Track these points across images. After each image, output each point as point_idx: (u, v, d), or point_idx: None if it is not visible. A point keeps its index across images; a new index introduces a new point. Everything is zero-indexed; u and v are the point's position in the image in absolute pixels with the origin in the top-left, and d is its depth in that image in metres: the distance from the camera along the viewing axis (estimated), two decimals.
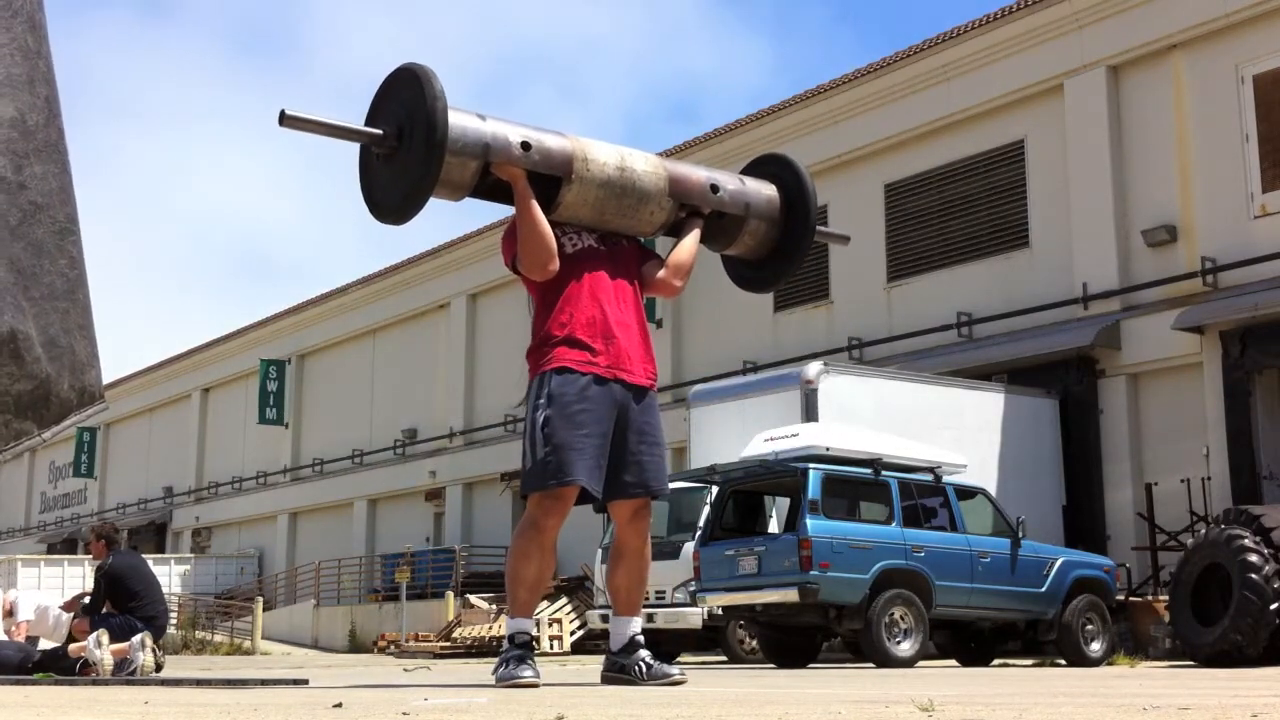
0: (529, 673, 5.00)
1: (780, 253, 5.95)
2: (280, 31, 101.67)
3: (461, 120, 5.10)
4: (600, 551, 16.14)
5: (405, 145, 5.13)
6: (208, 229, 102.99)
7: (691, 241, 5.59)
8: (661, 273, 5.55)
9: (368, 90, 5.49)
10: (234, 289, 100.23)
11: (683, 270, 5.58)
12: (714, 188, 5.69)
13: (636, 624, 5.39)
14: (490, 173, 5.19)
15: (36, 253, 3.07)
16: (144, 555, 13.06)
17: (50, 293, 3.08)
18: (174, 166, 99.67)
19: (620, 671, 5.29)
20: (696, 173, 5.72)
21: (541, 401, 5.18)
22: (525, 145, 5.20)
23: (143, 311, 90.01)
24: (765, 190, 5.89)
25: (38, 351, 3.03)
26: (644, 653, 5.29)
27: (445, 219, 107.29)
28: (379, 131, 5.19)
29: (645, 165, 5.47)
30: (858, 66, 22.38)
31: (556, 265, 5.26)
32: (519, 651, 5.09)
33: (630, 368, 5.31)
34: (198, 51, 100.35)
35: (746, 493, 13.61)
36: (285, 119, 5.00)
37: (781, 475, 12.83)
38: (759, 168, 6.08)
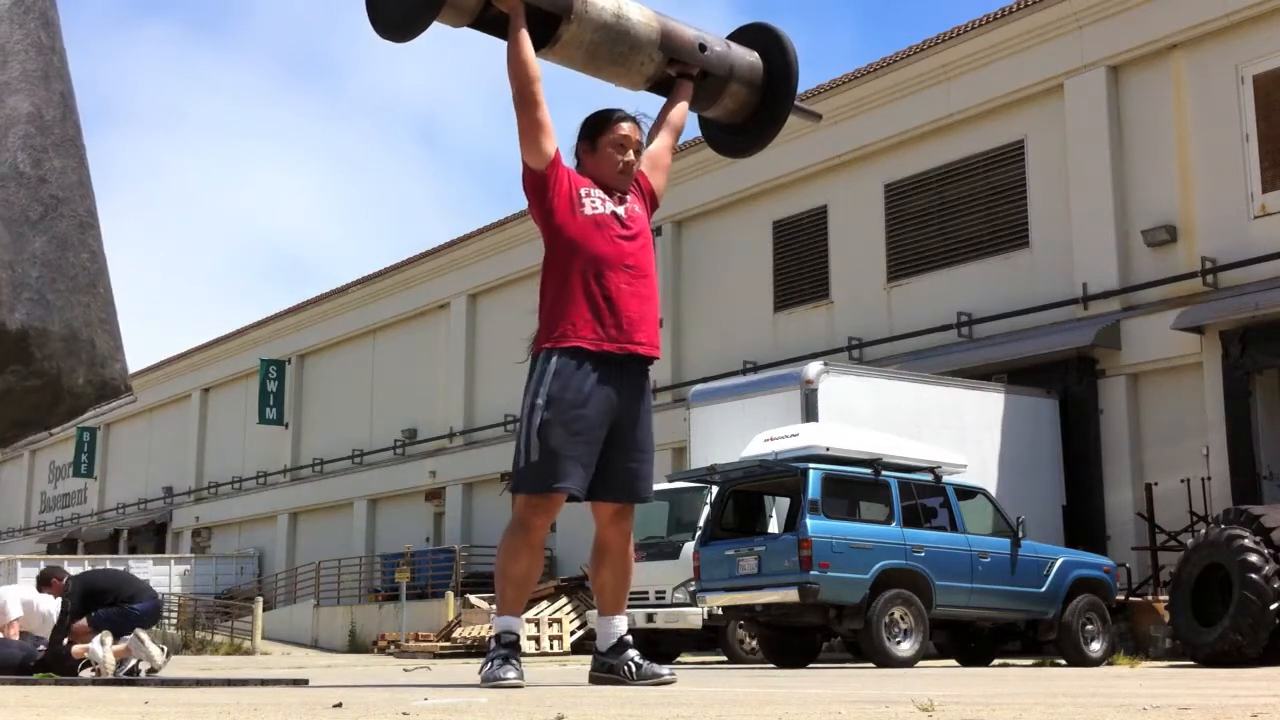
0: (513, 674, 4.98)
1: (758, 120, 6.05)
2: (322, 54, 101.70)
3: None
4: None
5: None
6: (232, 238, 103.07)
7: (686, 105, 5.70)
8: (663, 138, 5.58)
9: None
10: (236, 290, 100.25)
11: (680, 132, 5.69)
12: (702, 46, 5.73)
13: (623, 623, 5.33)
14: (492, 4, 5.15)
15: (58, 246, 3.06)
16: (144, 555, 13.13)
17: (73, 286, 3.06)
18: (212, 180, 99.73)
19: (609, 672, 5.25)
20: (686, 30, 5.76)
21: (540, 402, 5.10)
22: None
23: (147, 314, 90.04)
24: (749, 57, 5.95)
25: (50, 348, 3.02)
26: (633, 652, 5.24)
27: (445, 218, 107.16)
28: None
29: (640, 15, 5.54)
30: (858, 66, 22.41)
31: (547, 121, 5.18)
32: (504, 651, 5.08)
33: (638, 339, 5.22)
34: (243, 70, 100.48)
35: (746, 493, 13.61)
36: None
37: (781, 475, 12.83)
38: (746, 35, 6.10)
